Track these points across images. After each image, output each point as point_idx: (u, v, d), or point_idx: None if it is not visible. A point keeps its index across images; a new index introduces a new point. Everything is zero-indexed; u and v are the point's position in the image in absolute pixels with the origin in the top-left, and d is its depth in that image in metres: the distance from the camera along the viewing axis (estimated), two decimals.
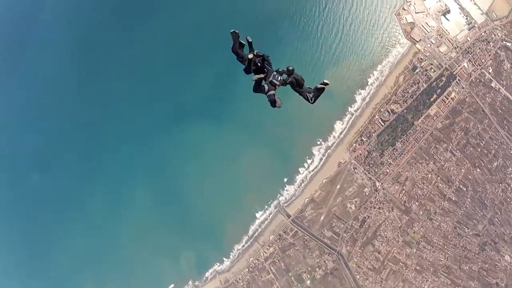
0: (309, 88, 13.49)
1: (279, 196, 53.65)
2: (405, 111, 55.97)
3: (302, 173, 54.03)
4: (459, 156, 57.97)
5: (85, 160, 54.47)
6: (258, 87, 12.73)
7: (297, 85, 13.34)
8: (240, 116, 53.51)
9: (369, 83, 55.22)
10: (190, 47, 54.70)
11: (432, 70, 57.54)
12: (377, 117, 54.81)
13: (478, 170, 59.15)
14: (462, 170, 58.10)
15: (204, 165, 53.54)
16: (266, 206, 53.59)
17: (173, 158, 53.80)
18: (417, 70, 57.02)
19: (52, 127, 54.65)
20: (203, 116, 53.63)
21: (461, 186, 58.08)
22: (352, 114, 54.30)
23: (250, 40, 12.97)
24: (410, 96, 56.49)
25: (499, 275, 60.69)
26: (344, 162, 54.19)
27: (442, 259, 58.45)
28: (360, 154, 54.71)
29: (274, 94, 12.78)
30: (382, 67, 56.22)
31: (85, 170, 54.29)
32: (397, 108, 55.22)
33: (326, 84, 12.92)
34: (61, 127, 54.36)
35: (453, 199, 58.21)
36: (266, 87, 12.85)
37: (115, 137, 54.56)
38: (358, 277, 55.62)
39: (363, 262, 55.61)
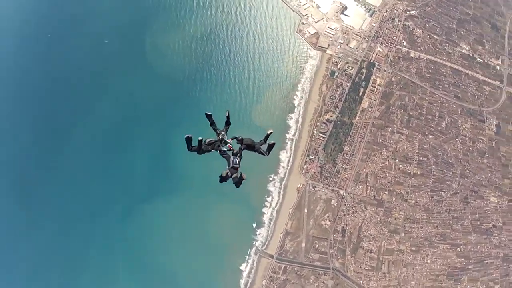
0: (260, 142, 14.99)
1: (255, 242, 54.46)
2: (339, 115, 56.87)
3: (267, 213, 54.88)
4: (407, 133, 58.69)
5: None
6: (223, 179, 14.33)
7: (251, 148, 14.84)
8: (189, 184, 54.47)
9: (296, 105, 56.25)
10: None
11: (350, 67, 58.57)
12: (316, 132, 55.71)
13: (430, 136, 59.78)
14: (415, 143, 58.76)
15: (175, 241, 54.39)
16: (246, 257, 54.24)
17: (143, 242, 54.43)
18: (336, 74, 58.07)
19: None
20: (154, 198, 54.38)
21: (421, 158, 58.75)
22: (292, 139, 55.20)
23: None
24: (339, 100, 57.47)
25: (492, 218, 61.18)
26: (302, 186, 55.02)
27: (432, 230, 58.87)
28: (314, 172, 55.51)
29: (237, 177, 14.24)
30: (302, 85, 57.30)
31: None
32: (331, 116, 56.15)
33: (270, 133, 15.06)
34: None
35: (419, 172, 58.77)
36: (229, 174, 14.21)
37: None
38: (361, 282, 56.03)
39: (360, 267, 56.04)
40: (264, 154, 15.02)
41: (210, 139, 14.63)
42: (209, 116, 15.15)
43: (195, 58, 58.95)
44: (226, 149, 14.67)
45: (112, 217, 56.42)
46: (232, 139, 14.72)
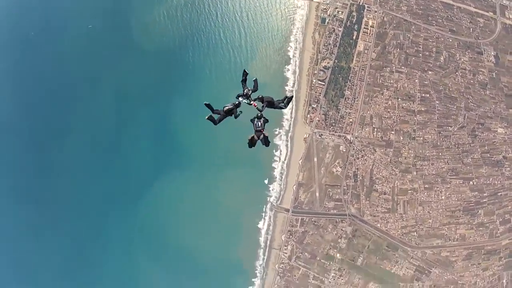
0: (278, 100, 16.31)
1: (269, 198, 53.36)
2: (336, 61, 55.42)
3: (278, 167, 53.70)
4: (406, 71, 57.26)
5: None
6: (252, 144, 15.99)
7: (271, 104, 16.09)
8: (196, 156, 53.50)
9: (291, 56, 54.80)
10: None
11: (340, 12, 57.00)
12: (314, 81, 54.29)
13: (430, 72, 58.34)
14: (416, 80, 57.37)
15: (190, 214, 53.43)
16: (263, 214, 53.14)
17: (159, 221, 53.47)
18: (327, 20, 56.51)
19: None
20: (162, 175, 53.30)
21: (424, 95, 57.39)
22: (292, 91, 53.73)
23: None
24: (334, 46, 55.96)
25: (502, 149, 59.86)
26: (309, 136, 53.74)
27: (443, 165, 57.64)
28: (319, 121, 54.22)
29: (263, 136, 15.81)
30: (295, 36, 55.79)
31: None
32: (328, 63, 54.69)
33: (291, 97, 16.89)
34: None
35: (423, 109, 57.48)
36: (255, 137, 15.73)
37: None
38: (379, 225, 55.01)
39: (376, 210, 54.98)
40: (283, 108, 16.64)
41: (227, 107, 15.77)
42: (244, 77, 16.52)
43: (183, 26, 57.36)
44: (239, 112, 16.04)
45: (124, 201, 55.09)
46: (255, 100, 15.77)
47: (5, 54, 58.38)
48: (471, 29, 62.04)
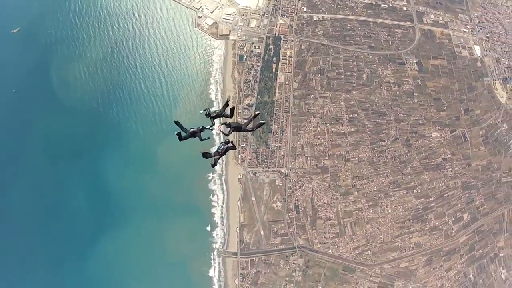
0: (245, 123, 18.06)
1: (215, 245, 51.84)
2: (259, 97, 54.49)
3: (217, 212, 52.17)
4: (330, 95, 56.92)
5: None
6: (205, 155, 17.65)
7: (238, 129, 17.59)
8: (132, 207, 51.10)
9: (213, 99, 53.65)
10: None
11: (257, 47, 56.31)
12: (240, 120, 52.76)
13: (354, 92, 58.23)
14: (342, 102, 57.08)
15: (136, 271, 51.13)
16: (211, 262, 51.31)
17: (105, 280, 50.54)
18: (245, 57, 55.73)
19: None
20: (103, 234, 50.85)
21: (352, 115, 57.14)
22: (219, 133, 51.91)
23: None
24: (254, 82, 55.13)
25: (440, 152, 60.21)
26: (243, 176, 52.38)
27: (384, 180, 57.28)
28: (250, 159, 52.99)
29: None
30: (214, 77, 54.70)
31: None
32: (251, 100, 53.72)
33: (257, 114, 19.57)
34: None
35: (353, 130, 57.14)
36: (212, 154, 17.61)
37: None
38: (330, 251, 53.97)
39: (324, 236, 53.98)
40: (251, 131, 18.30)
41: (192, 129, 17.27)
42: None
43: (104, 81, 55.54)
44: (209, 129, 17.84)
45: (68, 264, 51.78)
46: (222, 124, 17.26)
47: None
48: (390, 41, 62.55)
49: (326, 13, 60.77)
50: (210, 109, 17.49)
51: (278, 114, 53.64)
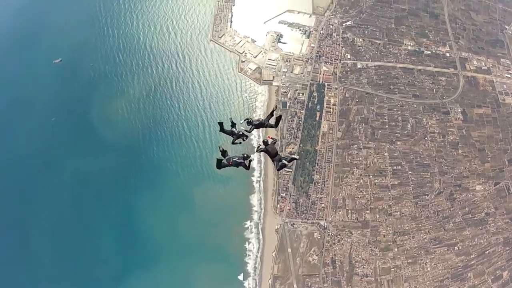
0: (267, 117, 16.16)
1: None
2: (301, 145, 51.55)
3: (251, 261, 48.64)
4: (374, 146, 53.41)
5: None
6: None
7: (260, 125, 16.06)
8: (163, 253, 48.40)
9: (254, 145, 50.70)
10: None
11: (300, 94, 53.68)
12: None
13: (399, 143, 54.54)
14: (385, 154, 53.40)
15: None
16: None
17: None
18: (288, 104, 53.09)
19: None
20: (130, 275, 47.75)
21: (395, 167, 53.34)
22: (259, 181, 49.49)
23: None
24: (297, 129, 52.27)
25: (483, 206, 55.59)
26: (280, 226, 49.11)
27: (425, 236, 52.95)
28: (289, 209, 49.72)
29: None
30: None
31: None
32: (293, 149, 50.80)
33: (275, 108, 17.53)
34: None
35: (396, 182, 53.22)
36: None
37: None
38: None
39: None
40: (274, 127, 16.42)
41: (236, 158, 15.77)
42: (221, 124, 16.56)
43: (145, 119, 53.91)
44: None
45: None
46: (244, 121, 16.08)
47: None
48: (434, 90, 59.03)
49: (370, 60, 57.85)
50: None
51: (320, 164, 50.46)
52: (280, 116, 16.73)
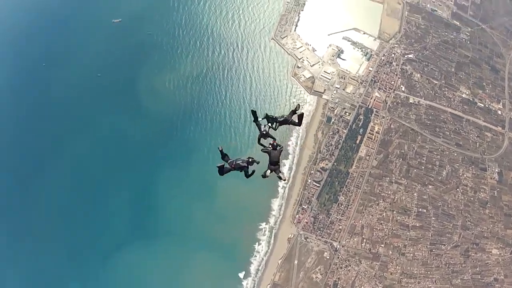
0: (290, 113, 14.78)
1: None
2: (335, 164, 50.66)
3: (255, 262, 48.14)
4: (406, 183, 52.14)
5: None
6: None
7: (284, 122, 14.80)
8: (172, 227, 48.26)
9: (290, 152, 50.33)
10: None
11: (347, 113, 52.65)
12: (310, 180, 49.44)
13: (430, 186, 53.10)
14: (415, 194, 52.11)
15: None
16: None
17: None
18: (333, 120, 52.12)
19: None
20: (135, 240, 47.71)
21: (420, 210, 52.01)
22: (284, 188, 48.95)
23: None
24: (335, 147, 51.36)
25: (494, 271, 53.88)
26: (293, 236, 48.55)
27: (430, 285, 51.65)
28: (307, 223, 49.04)
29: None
30: (297, 131, 51.46)
31: None
32: (326, 165, 49.96)
33: (298, 105, 15.18)
34: None
35: (417, 225, 51.89)
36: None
37: None
38: None
39: None
40: (297, 125, 15.30)
41: (240, 161, 14.48)
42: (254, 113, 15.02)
43: (190, 99, 53.75)
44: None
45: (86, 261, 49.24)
46: (263, 118, 14.74)
47: None
48: (477, 143, 57.27)
49: (423, 98, 56.36)
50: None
51: (349, 187, 49.63)
52: (303, 114, 15.33)
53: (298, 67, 53.55)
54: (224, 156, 14.43)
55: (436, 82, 58.70)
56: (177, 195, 49.53)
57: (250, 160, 14.05)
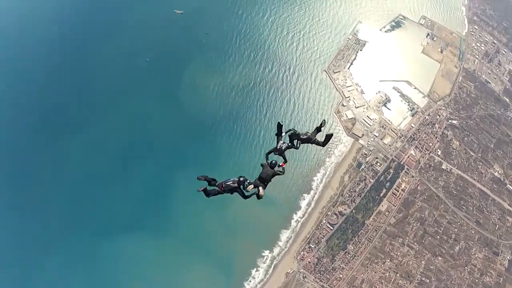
0: (313, 132, 13.72)
1: None
2: (354, 211, 49.57)
3: (247, 287, 47.22)
4: (417, 248, 50.82)
5: None
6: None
7: (307, 141, 13.59)
8: (178, 226, 47.69)
9: (313, 187, 49.34)
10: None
11: (378, 164, 51.42)
12: (324, 221, 48.49)
13: (440, 258, 51.66)
14: (422, 262, 50.73)
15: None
16: None
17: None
18: (363, 167, 51.00)
19: None
20: (137, 229, 47.26)
21: (424, 279, 50.66)
22: (298, 221, 48.23)
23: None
24: (358, 195, 50.23)
25: None
26: (292, 272, 47.57)
27: None
28: (309, 262, 48.15)
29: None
30: (326, 168, 50.43)
31: None
32: (345, 209, 48.91)
33: (324, 122, 14.02)
34: None
35: None
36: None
37: None
38: None
39: None
40: (321, 145, 13.89)
41: (229, 182, 12.63)
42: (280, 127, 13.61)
43: (229, 108, 53.09)
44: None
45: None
46: (286, 132, 13.61)
47: None
48: (497, 226, 55.58)
49: (456, 167, 54.80)
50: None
51: (361, 237, 48.58)
52: (331, 135, 14.22)
53: (343, 105, 52.48)
54: (210, 181, 12.68)
55: (473, 154, 57.05)
56: (193, 199, 48.73)
57: (241, 179, 12.47)
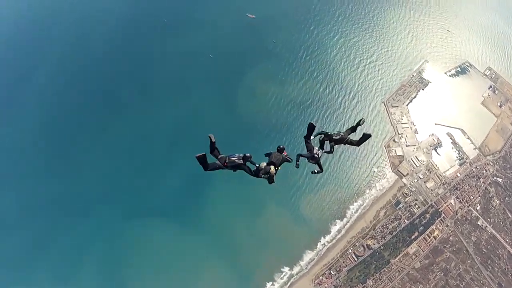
0: (347, 131, 13.12)
1: None
2: (382, 247, 49.20)
3: None
4: None
5: None
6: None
7: (340, 141, 12.96)
8: (209, 224, 48.13)
9: (347, 215, 49.11)
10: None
11: (417, 206, 50.55)
12: (350, 251, 48.40)
13: None
14: None
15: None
16: None
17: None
18: (400, 206, 50.26)
19: None
20: (169, 218, 47.52)
21: None
22: (324, 245, 48.20)
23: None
24: (390, 232, 49.69)
25: None
26: None
27: None
28: None
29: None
30: (364, 199, 49.99)
31: None
32: (373, 244, 48.59)
33: (361, 120, 12.98)
34: None
35: None
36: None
37: None
38: None
39: None
40: (355, 145, 13.05)
41: (234, 157, 11.96)
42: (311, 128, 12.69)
43: (282, 120, 52.91)
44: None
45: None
46: (316, 135, 12.73)
47: None
48: None
49: (491, 225, 53.24)
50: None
51: (382, 275, 48.33)
52: (369, 136, 13.06)
53: (394, 141, 51.46)
54: (213, 149, 11.60)
55: (510, 216, 55.20)
56: (228, 200, 49.41)
57: (247, 155, 11.71)
